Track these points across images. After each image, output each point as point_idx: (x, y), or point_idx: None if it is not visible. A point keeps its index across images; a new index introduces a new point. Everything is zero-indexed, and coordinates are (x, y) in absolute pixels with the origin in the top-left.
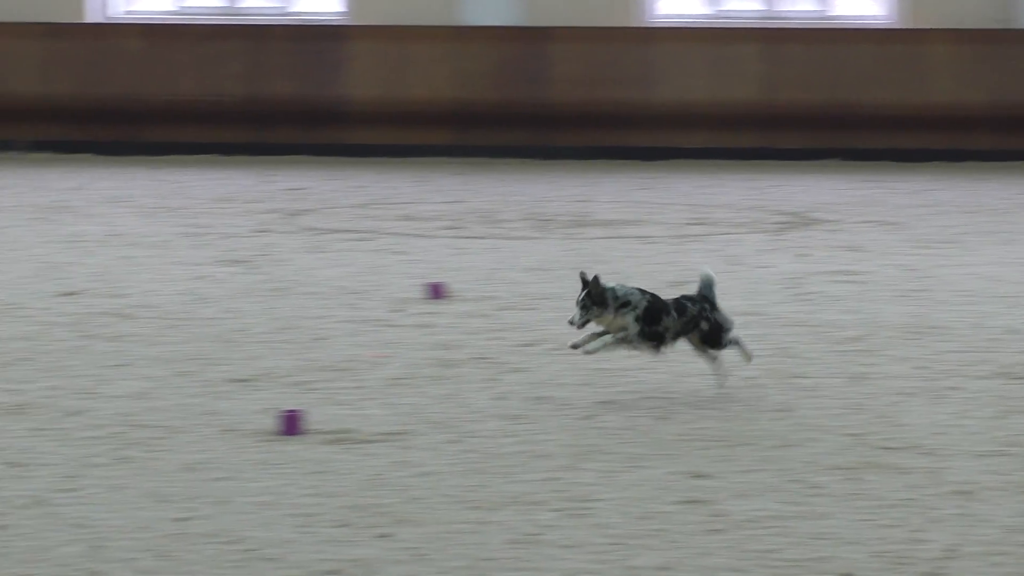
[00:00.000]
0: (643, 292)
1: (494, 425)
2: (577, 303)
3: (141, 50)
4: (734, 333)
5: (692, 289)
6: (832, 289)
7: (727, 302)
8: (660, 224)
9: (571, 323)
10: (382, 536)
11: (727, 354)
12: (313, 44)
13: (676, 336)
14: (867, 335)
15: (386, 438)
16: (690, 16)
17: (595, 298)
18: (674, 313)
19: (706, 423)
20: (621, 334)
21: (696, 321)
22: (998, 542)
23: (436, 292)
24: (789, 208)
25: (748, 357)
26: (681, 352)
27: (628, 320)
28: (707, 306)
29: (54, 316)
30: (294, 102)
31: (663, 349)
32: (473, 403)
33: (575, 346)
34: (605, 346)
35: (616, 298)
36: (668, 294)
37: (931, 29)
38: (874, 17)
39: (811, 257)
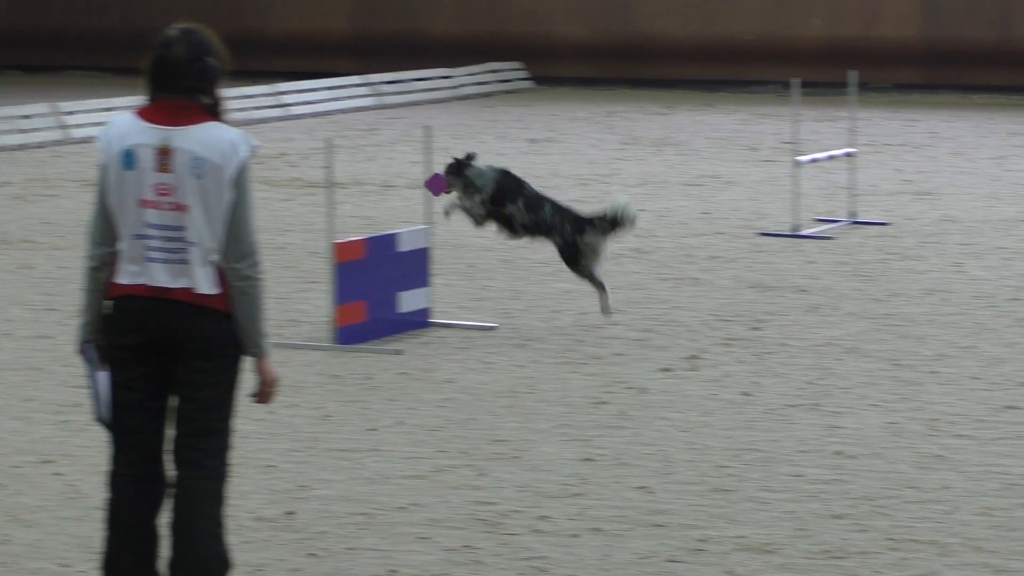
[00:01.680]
0: (503, 178)
1: None
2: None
3: None
4: (599, 272)
5: None
6: None
7: None
8: None
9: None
10: None
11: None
12: None
13: (527, 229)
14: None
15: None
16: None
17: (450, 170)
18: (521, 204)
19: None
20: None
21: (548, 230)
22: None
23: (436, 185)
24: None
25: (605, 308)
26: None
27: (474, 199)
28: (571, 226)
29: None
30: None
31: (518, 235)
32: None
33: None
34: (450, 207)
35: (469, 178)
36: None
37: None
38: None
39: None
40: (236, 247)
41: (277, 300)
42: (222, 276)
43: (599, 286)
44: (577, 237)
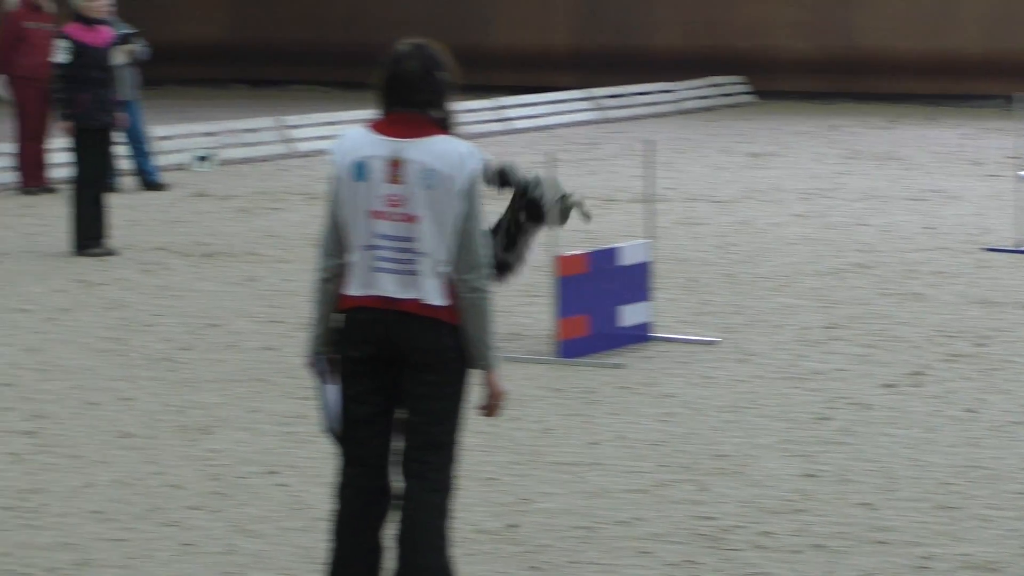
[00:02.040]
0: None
1: None
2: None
3: None
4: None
5: None
6: None
7: None
8: None
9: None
10: None
11: None
12: None
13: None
14: None
15: None
16: None
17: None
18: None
19: None
20: None
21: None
22: None
23: None
24: None
25: None
26: None
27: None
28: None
29: None
30: None
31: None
32: None
33: None
34: None
35: None
36: None
37: None
38: None
39: None
40: (466, 259)
41: (500, 313)
42: (451, 288)
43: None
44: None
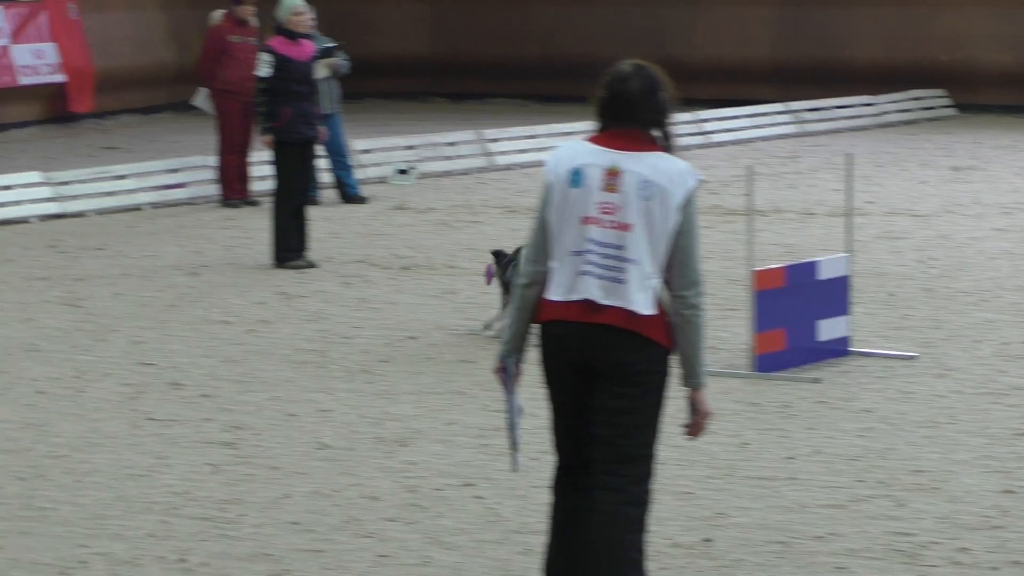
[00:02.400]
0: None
1: None
2: None
3: None
4: None
5: None
6: None
7: None
8: None
9: None
10: None
11: None
12: None
13: None
14: None
15: None
16: None
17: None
18: None
19: None
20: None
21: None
22: None
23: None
24: None
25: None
26: None
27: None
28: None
29: None
30: None
31: None
32: None
33: None
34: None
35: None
36: None
37: None
38: None
39: None
40: (684, 275)
41: None
42: (659, 303)
43: None
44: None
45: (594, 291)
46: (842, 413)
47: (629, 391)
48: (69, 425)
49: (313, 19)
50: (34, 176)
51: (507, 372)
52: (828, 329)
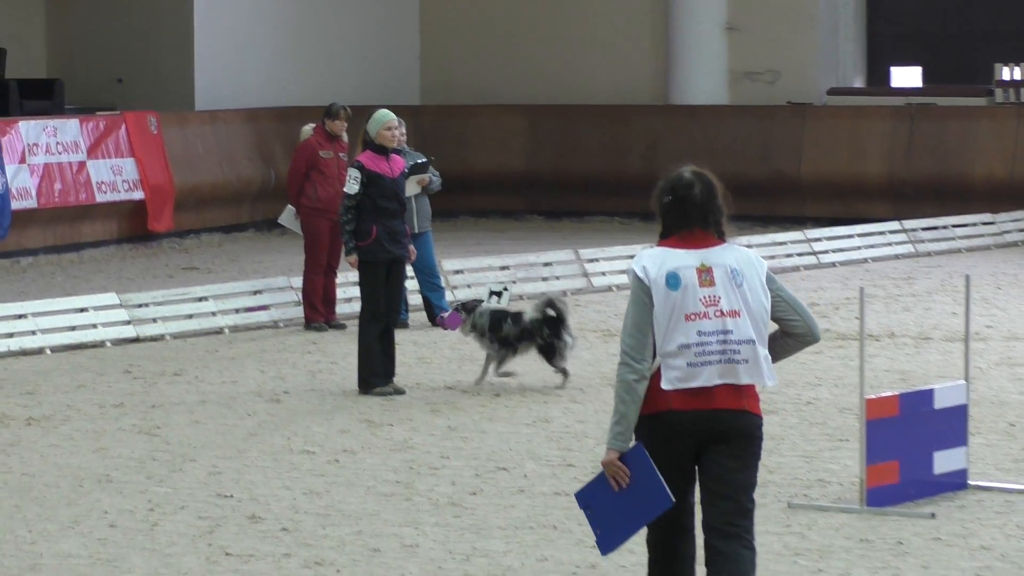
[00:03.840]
0: (493, 311)
1: None
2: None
3: None
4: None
5: None
6: None
7: None
8: None
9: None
10: None
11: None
12: None
13: (518, 340)
14: None
15: None
16: None
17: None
18: (509, 321)
19: None
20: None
21: (531, 334)
22: None
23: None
24: None
25: (561, 385)
26: None
27: (483, 339)
28: (544, 325)
29: None
30: None
31: (516, 351)
32: None
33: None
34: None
35: (474, 317)
36: None
37: None
38: None
39: None
40: (801, 316)
41: (804, 459)
42: (767, 371)
43: (565, 373)
44: (554, 339)
45: (711, 378)
46: (958, 551)
47: (741, 452)
48: (142, 560)
49: (403, 133)
50: (110, 298)
51: (637, 456)
52: (944, 461)
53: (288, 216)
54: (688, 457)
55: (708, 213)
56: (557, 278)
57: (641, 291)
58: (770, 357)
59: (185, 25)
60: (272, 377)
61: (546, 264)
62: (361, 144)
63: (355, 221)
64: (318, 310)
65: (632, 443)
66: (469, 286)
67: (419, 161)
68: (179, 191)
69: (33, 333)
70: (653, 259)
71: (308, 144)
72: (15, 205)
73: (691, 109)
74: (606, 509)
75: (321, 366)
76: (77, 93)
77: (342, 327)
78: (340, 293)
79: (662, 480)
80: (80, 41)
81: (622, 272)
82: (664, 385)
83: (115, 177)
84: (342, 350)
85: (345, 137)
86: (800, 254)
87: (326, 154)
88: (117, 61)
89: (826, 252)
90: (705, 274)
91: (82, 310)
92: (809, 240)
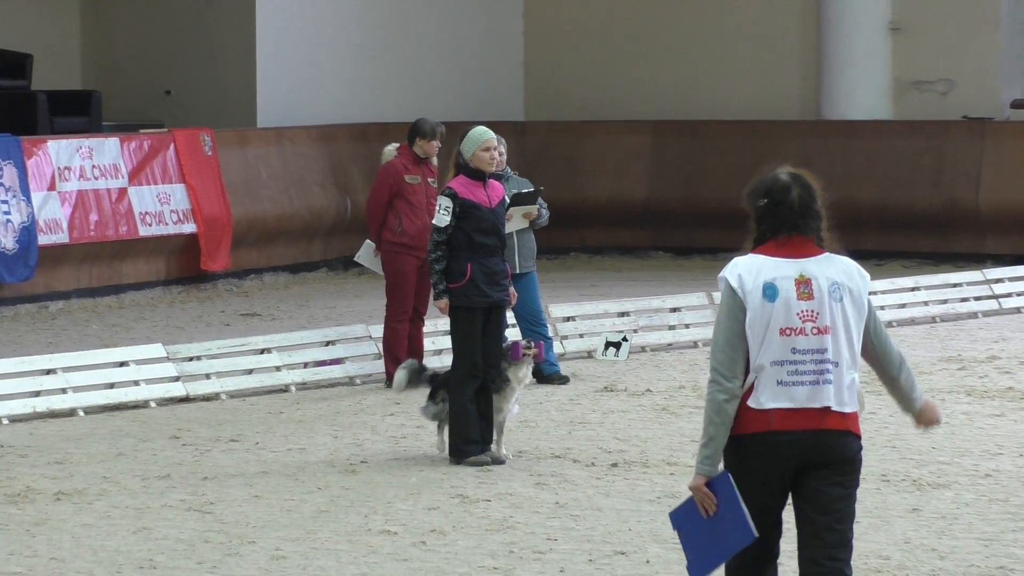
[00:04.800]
0: None
1: None
2: None
3: None
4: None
5: None
6: None
7: None
8: None
9: None
10: None
11: None
12: None
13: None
14: None
15: None
16: None
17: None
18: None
19: None
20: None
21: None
22: None
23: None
24: None
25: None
26: None
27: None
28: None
29: None
30: None
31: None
32: None
33: None
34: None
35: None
36: None
37: None
38: None
39: None
40: (889, 355)
41: (982, 542)
42: (858, 396)
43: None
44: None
45: (805, 399)
46: None
47: (843, 479)
48: None
49: (503, 153)
50: (156, 350)
51: (723, 485)
52: None
53: (367, 253)
54: (785, 480)
55: (808, 219)
56: (687, 326)
57: (734, 303)
58: (858, 385)
59: (246, 27)
60: (347, 444)
61: (673, 310)
62: (453, 168)
63: (446, 259)
64: (402, 363)
65: (720, 469)
66: (581, 336)
67: (524, 191)
68: (237, 223)
69: (64, 391)
70: (749, 268)
71: (392, 168)
72: (43, 240)
73: (848, 125)
74: (695, 534)
75: (405, 431)
76: (117, 107)
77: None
78: (428, 344)
79: (746, 513)
80: (121, 48)
81: None
82: (751, 403)
83: (162, 207)
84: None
85: (435, 160)
86: (978, 297)
87: (413, 179)
88: (165, 70)
89: (1009, 295)
90: (804, 286)
91: (122, 364)
92: (989, 281)
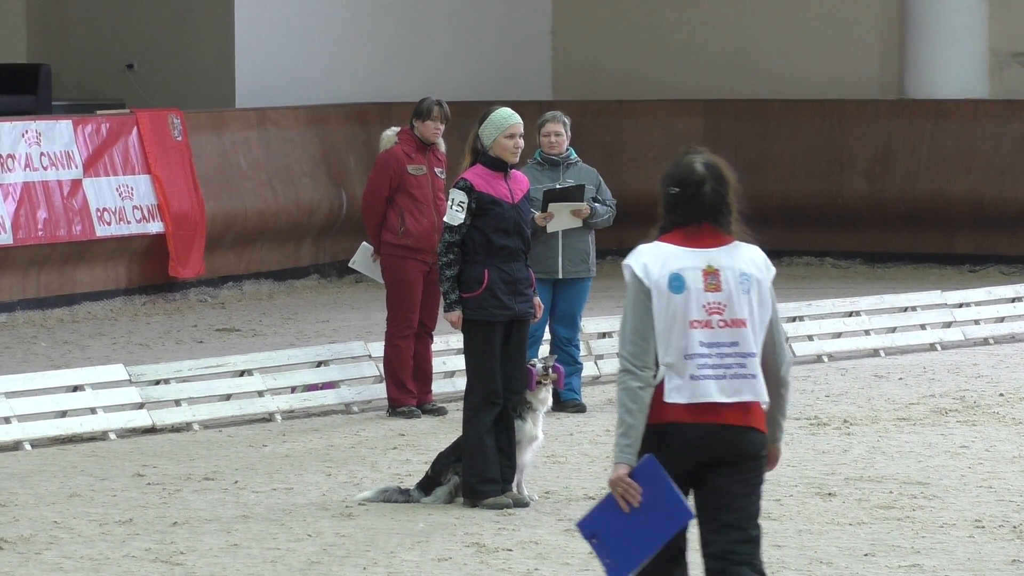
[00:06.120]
0: None
1: None
2: None
3: None
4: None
5: None
6: None
7: None
8: None
9: None
10: None
11: None
12: None
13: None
14: None
15: None
16: None
17: None
18: None
19: None
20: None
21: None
22: None
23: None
24: None
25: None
26: None
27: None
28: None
29: None
30: None
31: None
32: None
33: None
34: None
35: None
36: None
37: None
38: None
39: None
40: (780, 356)
41: None
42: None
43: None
44: None
45: (714, 393)
46: None
47: (749, 477)
48: None
49: (559, 133)
50: (116, 372)
51: (649, 470)
52: None
53: (364, 257)
54: (686, 475)
55: (719, 213)
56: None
57: (641, 292)
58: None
59: None
60: (342, 483)
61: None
62: (470, 155)
63: (459, 264)
64: (407, 389)
65: (633, 461)
66: (615, 357)
67: (563, 185)
68: (212, 222)
69: (7, 421)
70: (651, 258)
71: (392, 156)
72: None
73: (937, 105)
74: (616, 535)
75: (411, 467)
76: (70, 84)
77: (441, 412)
78: (438, 365)
79: (679, 493)
80: (74, 13)
81: (836, 336)
82: (665, 396)
83: (123, 202)
84: (440, 444)
85: (442, 145)
86: None
87: (416, 170)
88: (125, 39)
89: None
90: (711, 277)
91: (76, 388)
92: None
